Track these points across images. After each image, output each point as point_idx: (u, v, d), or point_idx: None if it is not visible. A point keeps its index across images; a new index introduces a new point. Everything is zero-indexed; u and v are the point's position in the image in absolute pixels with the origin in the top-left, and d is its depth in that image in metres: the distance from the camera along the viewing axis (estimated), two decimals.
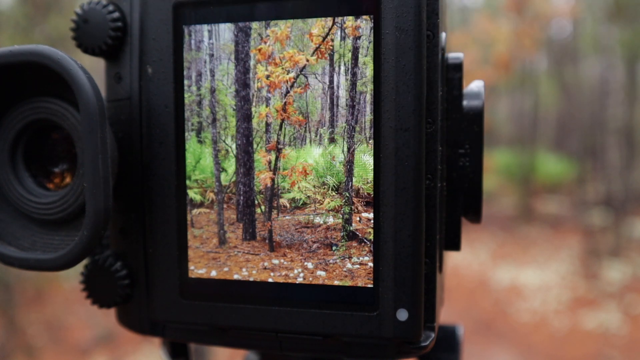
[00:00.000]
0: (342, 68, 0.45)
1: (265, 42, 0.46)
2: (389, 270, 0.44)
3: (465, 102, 0.51)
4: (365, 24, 0.44)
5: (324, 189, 0.46)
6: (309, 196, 0.46)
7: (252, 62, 0.46)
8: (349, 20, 0.44)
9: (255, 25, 0.46)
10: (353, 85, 0.45)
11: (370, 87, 0.44)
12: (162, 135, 0.48)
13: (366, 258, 0.45)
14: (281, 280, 0.46)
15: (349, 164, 0.45)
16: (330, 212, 0.46)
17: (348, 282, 0.45)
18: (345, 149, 0.45)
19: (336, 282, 0.45)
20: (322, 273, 0.46)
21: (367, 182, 0.45)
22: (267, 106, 0.46)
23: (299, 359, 0.57)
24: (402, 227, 0.44)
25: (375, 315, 0.45)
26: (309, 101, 0.46)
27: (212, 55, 0.47)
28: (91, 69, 0.43)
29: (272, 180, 0.47)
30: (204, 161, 0.48)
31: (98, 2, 0.49)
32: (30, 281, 4.32)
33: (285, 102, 0.46)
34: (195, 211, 0.48)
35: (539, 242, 7.48)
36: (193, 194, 0.48)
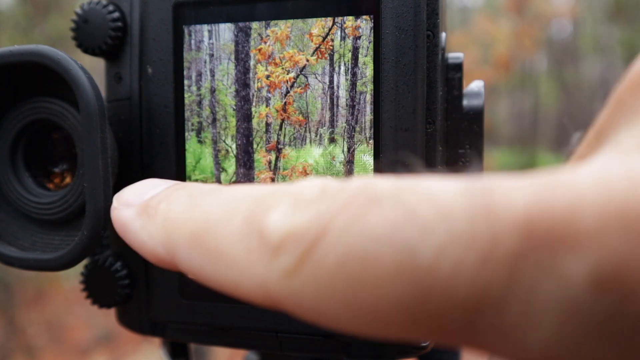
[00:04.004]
0: (342, 68, 0.45)
1: (265, 42, 0.46)
2: None
3: (465, 102, 0.51)
4: (365, 24, 0.44)
5: None
6: None
7: (252, 62, 0.46)
8: (349, 20, 0.44)
9: (255, 25, 0.46)
10: (353, 85, 0.45)
11: (370, 87, 0.44)
12: (162, 135, 0.48)
13: None
14: None
15: (349, 164, 0.45)
16: None
17: None
18: (345, 149, 0.45)
19: None
20: None
21: None
22: (267, 106, 0.46)
23: (299, 359, 0.57)
24: None
25: None
26: (309, 101, 0.46)
27: (212, 55, 0.47)
28: (91, 69, 0.43)
29: (272, 180, 0.47)
30: (204, 161, 0.48)
31: (98, 2, 0.48)
32: (30, 281, 4.32)
33: (285, 102, 0.46)
34: None
35: None
36: None
